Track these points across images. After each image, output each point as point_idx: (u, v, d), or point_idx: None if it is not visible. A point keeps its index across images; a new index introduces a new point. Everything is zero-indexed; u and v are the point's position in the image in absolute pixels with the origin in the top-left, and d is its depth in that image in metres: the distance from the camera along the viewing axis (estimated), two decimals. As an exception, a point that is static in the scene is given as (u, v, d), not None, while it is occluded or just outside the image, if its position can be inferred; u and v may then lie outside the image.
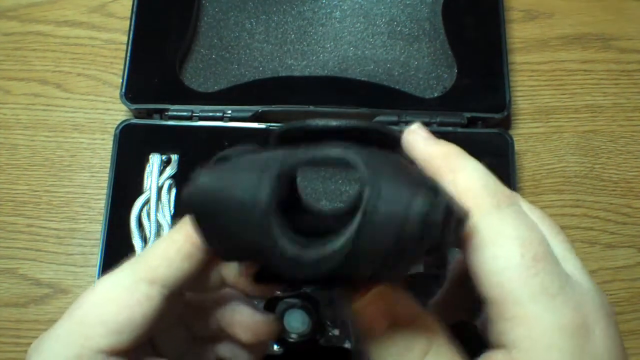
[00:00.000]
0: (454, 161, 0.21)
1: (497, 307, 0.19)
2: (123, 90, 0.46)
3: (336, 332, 0.41)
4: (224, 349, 0.27)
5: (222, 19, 0.50)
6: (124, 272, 0.22)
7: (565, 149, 0.49)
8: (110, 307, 0.21)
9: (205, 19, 0.50)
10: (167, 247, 0.22)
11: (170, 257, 0.21)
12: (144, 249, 0.43)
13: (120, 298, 0.21)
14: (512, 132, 0.49)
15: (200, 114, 0.46)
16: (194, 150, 0.46)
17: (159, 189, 0.45)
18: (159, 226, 0.44)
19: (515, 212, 0.20)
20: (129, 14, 0.48)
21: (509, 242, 0.19)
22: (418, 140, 0.22)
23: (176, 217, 0.45)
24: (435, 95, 0.48)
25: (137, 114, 0.47)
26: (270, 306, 0.41)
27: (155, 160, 0.45)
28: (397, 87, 0.48)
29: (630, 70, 0.51)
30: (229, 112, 0.46)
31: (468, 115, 0.46)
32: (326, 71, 0.49)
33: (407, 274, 0.21)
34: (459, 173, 0.21)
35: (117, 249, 0.43)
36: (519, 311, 0.19)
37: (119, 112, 0.49)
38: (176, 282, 0.22)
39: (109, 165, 0.45)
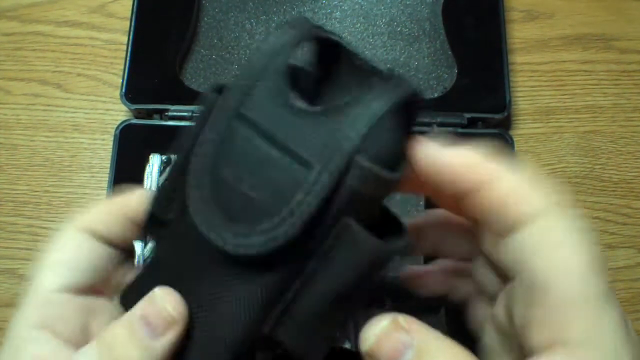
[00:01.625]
0: (484, 167, 0.21)
1: (556, 307, 0.19)
2: (123, 90, 0.46)
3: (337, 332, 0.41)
4: None
5: (222, 19, 0.50)
6: (67, 224, 0.24)
7: (565, 149, 0.49)
8: (57, 253, 0.23)
9: (205, 19, 0.50)
10: (106, 209, 0.24)
11: (104, 220, 0.24)
12: (143, 249, 0.43)
13: (65, 245, 0.24)
14: (512, 132, 0.48)
15: (200, 114, 0.46)
16: (194, 151, 0.46)
17: (159, 189, 0.45)
18: (159, 226, 0.44)
19: (571, 211, 0.20)
20: (129, 14, 0.48)
21: (578, 242, 0.19)
22: (432, 151, 0.21)
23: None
24: (436, 95, 0.48)
25: (137, 114, 0.47)
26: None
27: (155, 160, 0.45)
28: (397, 87, 0.48)
29: (631, 71, 0.51)
30: (229, 112, 0.46)
31: (468, 115, 0.46)
32: (326, 71, 0.49)
33: None
34: (498, 181, 0.20)
35: (117, 249, 0.43)
36: (586, 311, 0.19)
37: (119, 112, 0.49)
38: (110, 240, 0.24)
39: (109, 165, 0.45)
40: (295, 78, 0.20)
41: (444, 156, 0.21)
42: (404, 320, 0.20)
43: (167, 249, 0.23)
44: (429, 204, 0.43)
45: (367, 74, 0.20)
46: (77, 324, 0.23)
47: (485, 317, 0.25)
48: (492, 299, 0.24)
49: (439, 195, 0.23)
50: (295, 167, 0.19)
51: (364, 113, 0.19)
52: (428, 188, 0.22)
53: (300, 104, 0.20)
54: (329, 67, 0.22)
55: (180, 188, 0.21)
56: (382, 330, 0.19)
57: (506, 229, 0.20)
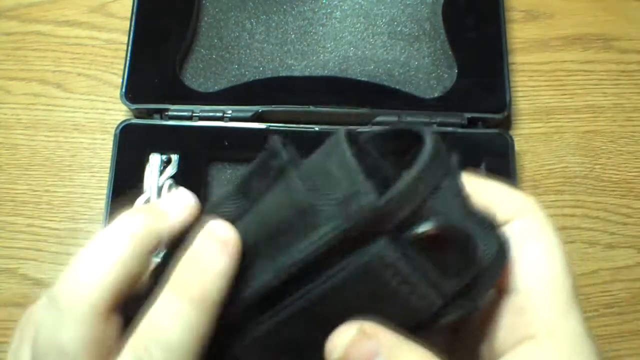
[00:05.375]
0: (469, 178, 0.22)
1: (525, 308, 0.21)
2: (123, 90, 0.46)
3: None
4: None
5: (222, 19, 0.50)
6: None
7: (565, 149, 0.49)
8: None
9: (205, 19, 0.50)
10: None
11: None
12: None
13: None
14: (512, 132, 0.48)
15: (201, 114, 0.46)
16: (194, 150, 0.46)
17: (159, 189, 0.45)
18: (159, 226, 0.44)
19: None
20: (129, 14, 0.49)
21: (549, 247, 0.21)
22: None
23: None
24: (436, 95, 0.48)
25: (137, 114, 0.47)
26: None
27: (155, 160, 0.45)
28: (397, 87, 0.48)
29: (631, 71, 0.51)
30: (229, 112, 0.46)
31: (468, 115, 0.46)
32: (326, 71, 0.49)
33: None
34: (484, 187, 0.23)
35: (117, 249, 0.43)
36: (552, 308, 0.21)
37: (119, 112, 0.49)
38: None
39: (109, 165, 0.45)
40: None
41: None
42: (371, 327, 0.19)
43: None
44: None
45: None
46: None
47: None
48: None
49: None
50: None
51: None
52: None
53: None
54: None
55: None
56: (350, 339, 0.19)
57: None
